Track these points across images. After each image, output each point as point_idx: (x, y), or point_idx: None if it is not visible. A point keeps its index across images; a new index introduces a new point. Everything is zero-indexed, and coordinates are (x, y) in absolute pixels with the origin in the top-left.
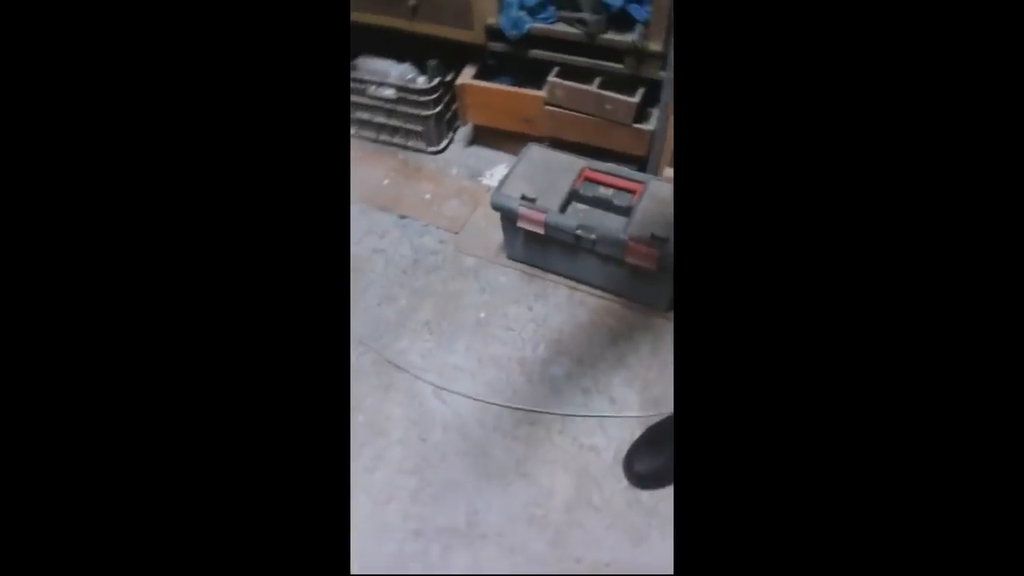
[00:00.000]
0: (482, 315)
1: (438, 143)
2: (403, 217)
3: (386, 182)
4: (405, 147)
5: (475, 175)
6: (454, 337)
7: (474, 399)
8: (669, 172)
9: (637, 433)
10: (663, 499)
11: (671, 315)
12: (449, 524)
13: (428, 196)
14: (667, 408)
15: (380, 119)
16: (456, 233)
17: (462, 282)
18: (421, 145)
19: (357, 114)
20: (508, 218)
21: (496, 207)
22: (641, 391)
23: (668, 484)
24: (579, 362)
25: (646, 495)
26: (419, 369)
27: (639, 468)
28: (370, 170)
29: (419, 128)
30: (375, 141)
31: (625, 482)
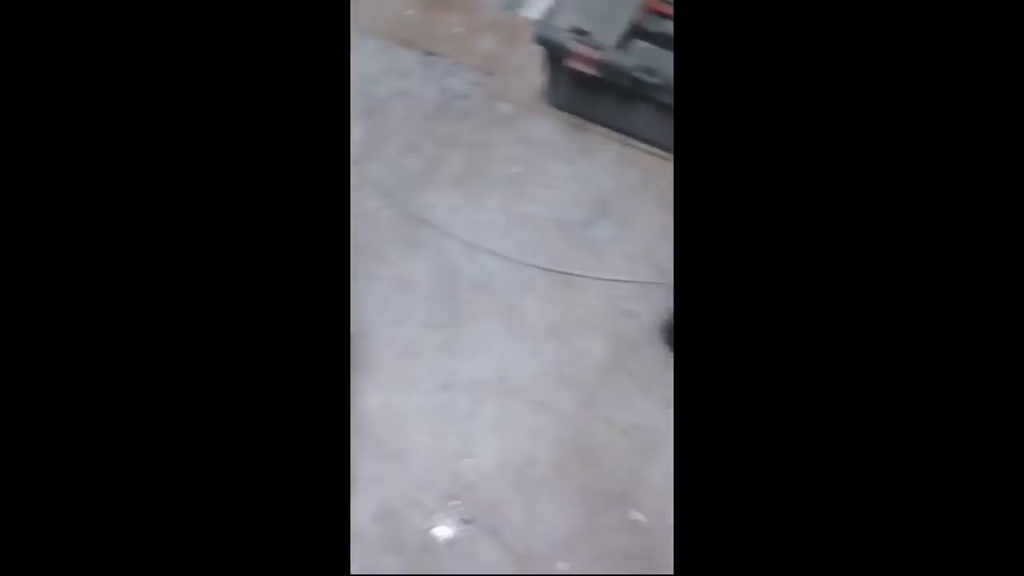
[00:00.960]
0: (517, 170)
1: None
2: (428, 54)
3: (409, 12)
4: None
5: (514, 5)
6: (485, 193)
7: (506, 258)
8: None
9: None
10: None
11: None
12: (478, 378)
13: (458, 30)
14: None
15: None
16: (490, 74)
17: (495, 132)
18: None
19: None
20: (554, 56)
21: (540, 41)
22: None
23: None
24: (625, 226)
25: None
26: (446, 225)
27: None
28: None
29: None
30: None
31: (664, 350)
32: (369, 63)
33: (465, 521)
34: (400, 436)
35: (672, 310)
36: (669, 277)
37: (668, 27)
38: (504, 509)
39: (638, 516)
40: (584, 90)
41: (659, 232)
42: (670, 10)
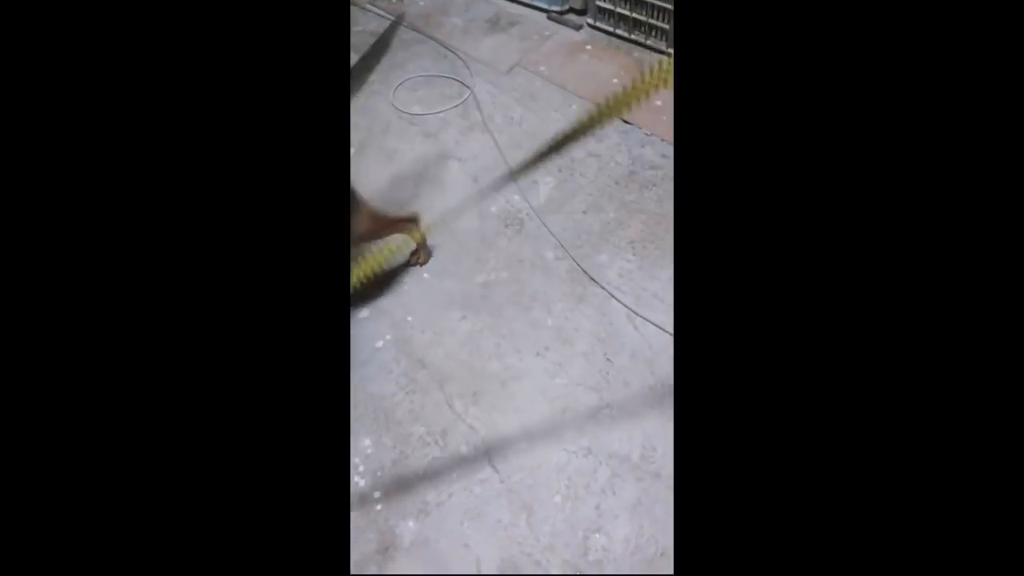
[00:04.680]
0: None
1: None
2: (626, 122)
3: (615, 80)
4: (643, 45)
5: None
6: (659, 263)
7: (670, 333)
8: None
9: None
10: None
11: None
12: (622, 452)
13: (659, 103)
14: None
15: (622, 9)
16: None
17: None
18: (661, 45)
19: (598, 1)
20: None
21: None
22: None
23: None
24: None
25: None
26: (615, 288)
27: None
28: (600, 65)
29: (664, 25)
30: (611, 34)
31: None
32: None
33: None
34: (537, 490)
35: None
36: None
37: None
38: None
39: None
40: None
41: None
42: None
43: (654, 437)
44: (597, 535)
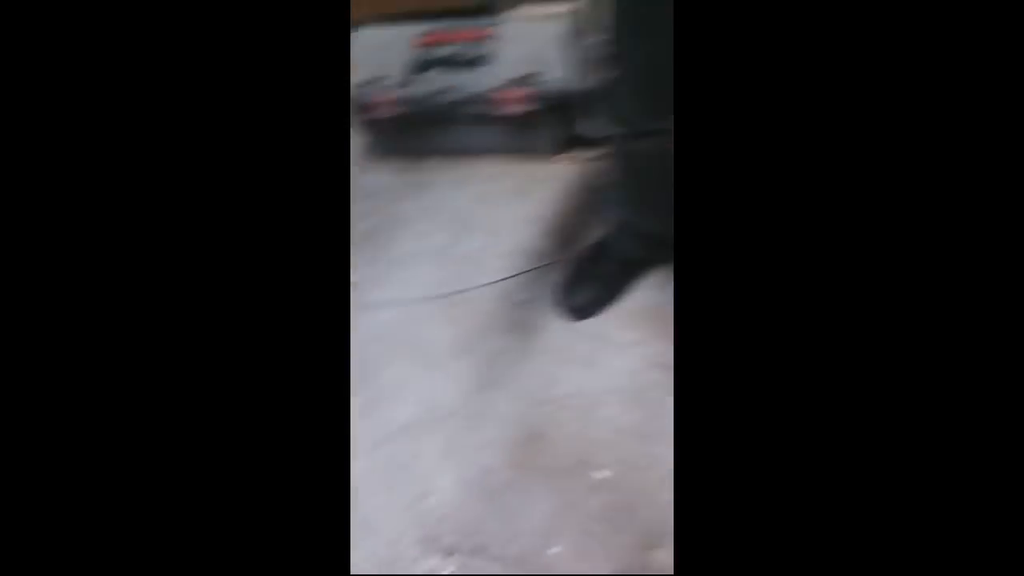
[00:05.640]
0: (373, 221)
1: None
2: None
3: None
4: None
5: None
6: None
7: (392, 303)
8: (525, 10)
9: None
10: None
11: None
12: (409, 420)
13: None
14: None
15: None
16: None
17: None
18: None
19: None
20: (363, 111)
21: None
22: (547, 235)
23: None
24: (491, 232)
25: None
26: None
27: (577, 302)
28: None
29: None
30: None
31: (564, 316)
32: None
33: (450, 554)
34: (359, 503)
35: (558, 282)
36: (543, 259)
37: (448, 51)
38: (481, 526)
39: (604, 474)
40: (400, 131)
41: (523, 222)
42: (443, 35)
43: (426, 389)
44: (430, 497)
